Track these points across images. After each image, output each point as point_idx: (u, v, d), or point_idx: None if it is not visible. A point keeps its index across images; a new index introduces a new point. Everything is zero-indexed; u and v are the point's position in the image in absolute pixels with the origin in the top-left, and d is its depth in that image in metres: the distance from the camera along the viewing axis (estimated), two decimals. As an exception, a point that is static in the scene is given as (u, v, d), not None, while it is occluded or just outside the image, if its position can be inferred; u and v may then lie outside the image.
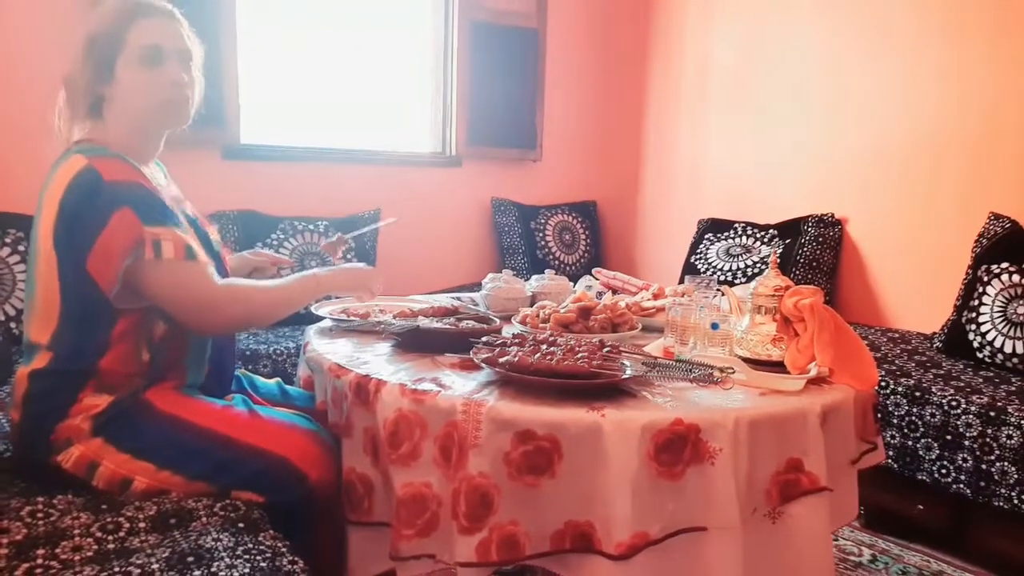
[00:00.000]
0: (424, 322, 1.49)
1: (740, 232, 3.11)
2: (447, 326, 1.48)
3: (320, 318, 1.70)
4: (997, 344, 2.22)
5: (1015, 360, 2.17)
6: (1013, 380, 2.12)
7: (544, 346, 1.31)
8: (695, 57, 3.46)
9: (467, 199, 3.51)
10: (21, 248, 2.21)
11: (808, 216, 2.97)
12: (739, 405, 1.18)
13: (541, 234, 3.54)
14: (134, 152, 1.32)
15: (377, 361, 1.36)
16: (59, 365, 1.27)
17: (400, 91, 3.37)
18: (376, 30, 3.26)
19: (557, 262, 3.53)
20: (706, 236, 3.19)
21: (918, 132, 2.70)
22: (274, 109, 3.06)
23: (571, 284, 2.03)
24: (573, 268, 3.55)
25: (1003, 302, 2.24)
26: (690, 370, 1.30)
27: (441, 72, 3.40)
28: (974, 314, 2.31)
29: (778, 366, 1.33)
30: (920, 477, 2.03)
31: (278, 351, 2.32)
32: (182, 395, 1.35)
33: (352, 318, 1.67)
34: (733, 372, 1.29)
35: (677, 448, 1.11)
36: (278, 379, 1.65)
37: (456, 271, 3.46)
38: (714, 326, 1.42)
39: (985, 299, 2.29)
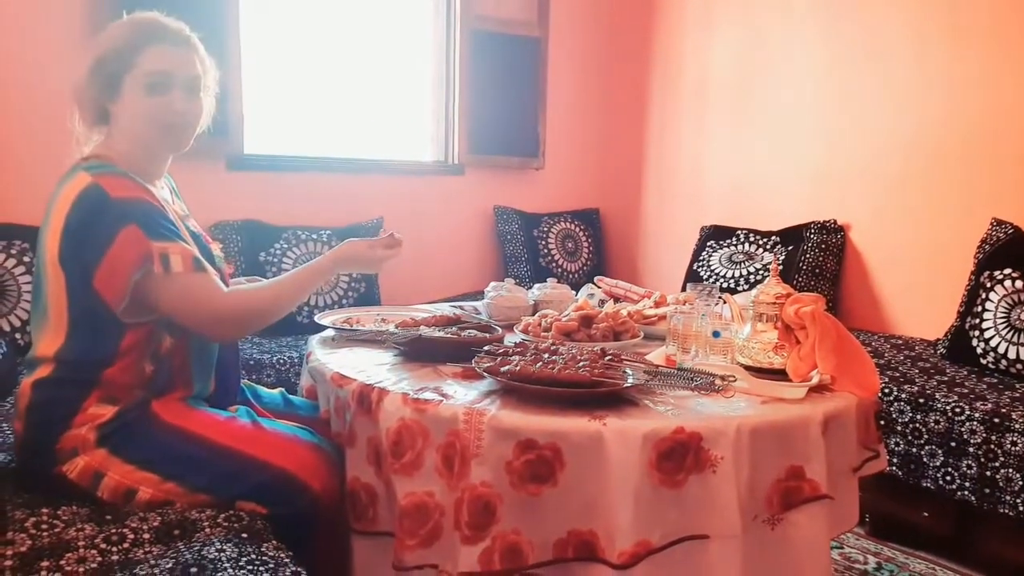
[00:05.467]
0: (426, 331, 1.50)
1: (742, 239, 3.11)
2: (449, 335, 1.49)
3: (323, 327, 1.71)
4: (1001, 350, 2.21)
5: (1019, 366, 2.16)
6: (1017, 386, 2.11)
7: (546, 355, 1.31)
8: (696, 65, 3.47)
9: (469, 207, 3.52)
10: (26, 259, 2.22)
11: (810, 223, 2.96)
12: (741, 413, 1.18)
13: (544, 242, 3.54)
14: (140, 169, 1.32)
15: (380, 370, 1.37)
16: (63, 375, 1.27)
17: (402, 100, 3.39)
18: (378, 40, 3.28)
19: (560, 270, 3.53)
20: (708, 243, 3.20)
21: (920, 137, 2.71)
22: (277, 119, 3.08)
23: (573, 292, 2.03)
24: (576, 276, 3.55)
25: (1006, 308, 2.24)
26: (692, 378, 1.30)
27: (443, 81, 3.42)
28: (977, 320, 2.31)
29: (780, 374, 1.33)
30: (925, 484, 2.03)
31: (281, 361, 2.32)
32: (187, 407, 1.35)
33: (355, 327, 1.68)
34: (735, 380, 1.29)
35: (679, 456, 1.12)
36: (281, 389, 1.65)
37: (459, 280, 3.47)
38: (716, 334, 1.42)
39: (988, 305, 2.29)
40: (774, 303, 1.38)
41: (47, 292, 1.27)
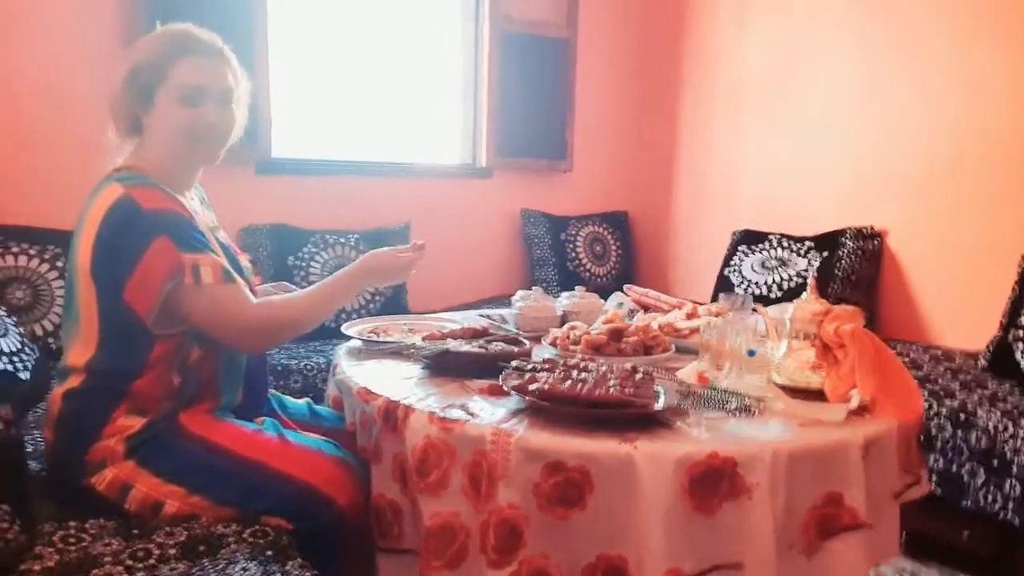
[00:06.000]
0: (453, 345, 1.48)
1: (775, 244, 3.04)
2: (476, 349, 1.46)
3: (350, 336, 1.69)
4: (1047, 364, 2.13)
5: (1066, 381, 2.09)
6: (1064, 402, 2.03)
7: (575, 372, 1.28)
8: (729, 66, 3.41)
9: (497, 210, 3.49)
10: (59, 264, 2.24)
11: (846, 228, 2.89)
12: (777, 437, 1.14)
13: (571, 245, 3.51)
14: (171, 179, 1.33)
15: (406, 385, 1.35)
16: (93, 385, 1.28)
17: (430, 103, 3.37)
18: (406, 42, 3.27)
19: (588, 274, 3.49)
20: (740, 248, 3.13)
21: (960, 141, 2.62)
22: (305, 123, 3.08)
23: (602, 301, 1.99)
24: (604, 280, 3.51)
25: (1053, 320, 2.16)
26: (726, 400, 1.26)
27: (471, 83, 3.40)
28: (1021, 332, 2.23)
29: (817, 394, 1.29)
30: (965, 504, 1.96)
31: (308, 366, 2.32)
32: (214, 418, 1.35)
33: (382, 337, 1.66)
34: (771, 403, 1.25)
35: (712, 482, 1.08)
36: (308, 399, 1.65)
37: (486, 283, 3.45)
38: (751, 353, 1.38)
39: (1034, 317, 2.21)
40: (812, 320, 1.33)
41: (79, 302, 1.28)
